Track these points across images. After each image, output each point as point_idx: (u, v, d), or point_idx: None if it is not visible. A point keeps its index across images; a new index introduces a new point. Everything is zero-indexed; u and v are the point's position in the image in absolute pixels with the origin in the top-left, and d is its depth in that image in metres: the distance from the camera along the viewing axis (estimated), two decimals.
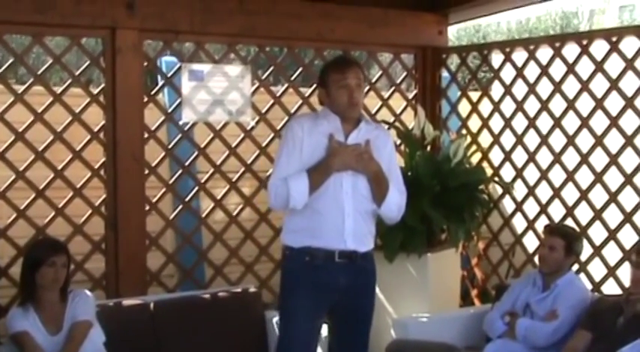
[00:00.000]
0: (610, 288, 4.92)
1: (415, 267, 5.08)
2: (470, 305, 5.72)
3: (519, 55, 5.50)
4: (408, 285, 5.09)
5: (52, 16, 4.55)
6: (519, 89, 5.48)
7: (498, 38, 17.91)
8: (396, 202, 3.75)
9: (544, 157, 5.34)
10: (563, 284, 4.32)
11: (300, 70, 5.60)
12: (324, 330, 3.86)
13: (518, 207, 5.53)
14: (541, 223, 5.07)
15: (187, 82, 5.05)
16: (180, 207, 5.20)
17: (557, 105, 5.24)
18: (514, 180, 5.53)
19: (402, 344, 4.53)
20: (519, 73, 5.47)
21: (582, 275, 4.93)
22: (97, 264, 4.87)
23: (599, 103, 4.99)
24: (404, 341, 4.56)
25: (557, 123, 5.22)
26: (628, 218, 4.88)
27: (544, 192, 5.36)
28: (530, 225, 5.44)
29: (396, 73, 6.73)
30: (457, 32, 17.48)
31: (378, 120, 5.66)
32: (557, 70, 5.22)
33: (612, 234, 4.96)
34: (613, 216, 4.97)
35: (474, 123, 5.82)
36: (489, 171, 5.64)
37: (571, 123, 5.15)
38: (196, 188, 5.25)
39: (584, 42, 5.10)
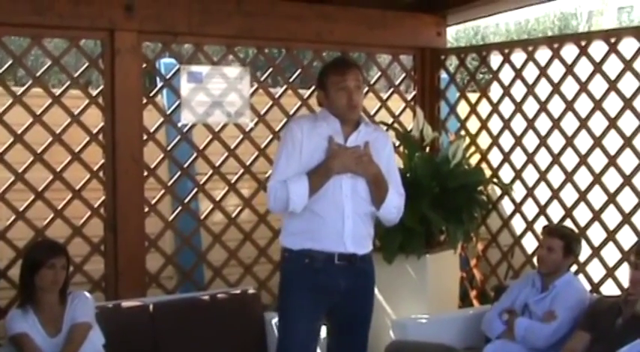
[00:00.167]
0: (609, 289, 4.92)
1: (414, 268, 5.08)
2: (469, 306, 5.72)
3: (518, 56, 5.50)
4: (407, 286, 5.09)
5: (50, 17, 4.56)
6: (518, 90, 5.49)
7: (497, 39, 17.89)
8: (395, 204, 3.75)
9: (543, 158, 5.35)
10: (562, 284, 4.32)
11: (299, 71, 5.60)
12: (323, 331, 3.86)
13: (517, 208, 5.53)
14: (540, 224, 5.07)
15: (186, 83, 5.05)
16: (180, 208, 5.20)
17: (556, 106, 5.24)
18: (513, 181, 5.54)
19: (401, 345, 4.53)
20: (518, 74, 5.47)
21: (581, 276, 4.94)
22: (96, 265, 4.87)
23: (598, 104, 4.99)
24: (403, 342, 4.56)
25: (556, 124, 5.22)
26: (627, 219, 4.89)
27: (543, 193, 5.36)
28: (529, 226, 5.44)
29: (395, 75, 6.73)
30: (456, 33, 17.47)
31: (377, 122, 5.67)
32: (556, 71, 5.23)
33: (611, 235, 4.96)
34: (612, 217, 4.97)
35: (473, 125, 5.82)
36: (488, 173, 5.64)
37: (570, 124, 5.15)
38: (195, 189, 5.25)
39: (583, 43, 5.10)
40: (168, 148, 5.14)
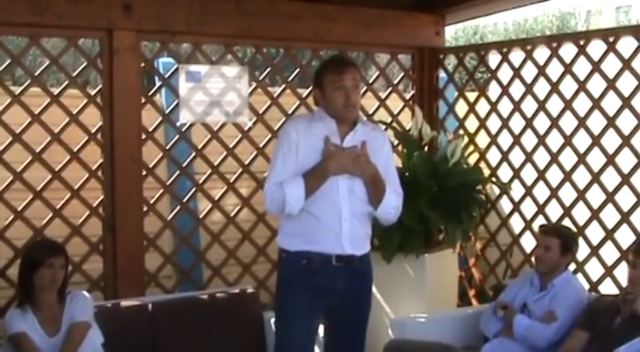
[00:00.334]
0: (607, 288, 4.92)
1: (413, 268, 5.08)
2: (467, 305, 5.72)
3: (516, 56, 5.51)
4: (405, 286, 5.10)
5: (48, 17, 4.55)
6: (516, 89, 5.49)
7: (495, 39, 17.91)
8: (392, 205, 3.73)
9: (541, 157, 5.35)
10: (560, 283, 4.33)
11: (298, 70, 5.60)
12: (320, 330, 3.85)
13: (516, 207, 5.54)
14: (538, 223, 5.07)
15: (184, 83, 5.05)
16: (178, 208, 5.20)
17: (555, 105, 5.24)
18: (511, 180, 5.54)
19: (400, 344, 4.53)
20: (516, 73, 5.48)
21: (580, 275, 4.94)
22: (94, 265, 4.87)
23: (596, 103, 4.99)
24: (401, 341, 4.56)
25: (555, 123, 5.23)
26: (625, 218, 4.89)
27: (541, 192, 5.37)
28: (528, 225, 5.45)
29: (394, 74, 6.71)
30: (455, 33, 17.49)
31: (375, 121, 5.67)
32: (555, 70, 5.23)
33: (609, 234, 4.96)
34: (610, 216, 4.98)
35: (472, 124, 5.82)
36: (487, 172, 5.64)
37: (568, 123, 5.16)
38: (194, 189, 5.25)
39: (581, 42, 5.10)
40: (167, 147, 5.14)
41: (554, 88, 5.22)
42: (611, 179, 4.96)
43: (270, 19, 5.23)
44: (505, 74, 5.57)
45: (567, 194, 5.20)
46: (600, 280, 5.00)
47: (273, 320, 4.22)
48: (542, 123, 5.32)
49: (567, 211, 5.18)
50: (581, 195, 5.11)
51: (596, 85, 5.00)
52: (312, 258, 3.62)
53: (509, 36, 18.37)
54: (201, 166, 5.35)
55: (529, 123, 5.38)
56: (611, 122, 4.92)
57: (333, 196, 3.60)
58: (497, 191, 5.75)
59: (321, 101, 3.69)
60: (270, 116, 5.39)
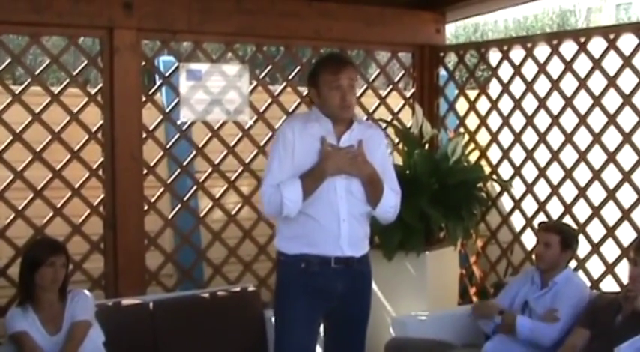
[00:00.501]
0: (608, 285, 4.92)
1: (414, 266, 5.08)
2: (468, 303, 5.69)
3: (517, 53, 5.50)
4: (406, 284, 5.10)
5: (49, 15, 4.55)
6: (517, 87, 5.49)
7: (495, 37, 17.91)
8: (391, 204, 3.69)
9: (542, 155, 5.35)
10: (562, 281, 4.32)
11: (298, 69, 5.60)
12: (320, 331, 3.82)
13: (517, 204, 5.54)
14: (539, 221, 5.07)
15: (185, 81, 5.05)
16: (179, 206, 5.20)
17: (555, 102, 5.23)
18: (512, 177, 5.54)
19: (401, 342, 4.54)
20: (517, 71, 5.47)
21: (580, 273, 4.93)
22: (95, 263, 4.87)
23: (597, 101, 4.99)
24: (403, 339, 4.56)
25: (555, 120, 5.22)
26: (626, 215, 4.89)
27: (542, 189, 5.36)
28: (529, 222, 5.44)
29: (394, 72, 6.73)
30: (455, 31, 17.49)
31: (376, 119, 5.68)
32: (555, 67, 5.22)
33: (610, 232, 4.96)
34: (611, 214, 4.97)
35: (472, 122, 5.82)
36: (487, 169, 5.64)
37: (569, 120, 5.15)
38: (195, 187, 5.25)
39: (582, 39, 5.10)
40: (168, 146, 5.14)
41: (555, 85, 5.21)
42: (611, 176, 4.96)
43: (270, 18, 5.22)
44: (505, 72, 5.56)
45: (568, 191, 5.20)
46: (601, 278, 5.00)
47: (274, 319, 4.22)
48: (542, 120, 5.32)
49: (568, 209, 5.18)
50: (581, 192, 5.11)
51: (597, 83, 5.00)
52: (311, 261, 3.58)
53: (509, 34, 18.36)
54: (202, 165, 5.35)
55: (530, 120, 5.38)
56: (611, 119, 4.92)
57: (331, 197, 3.56)
58: (497, 189, 5.75)
59: (317, 100, 3.65)
60: (270, 114, 5.39)
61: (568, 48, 5.17)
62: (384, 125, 5.60)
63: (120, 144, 4.77)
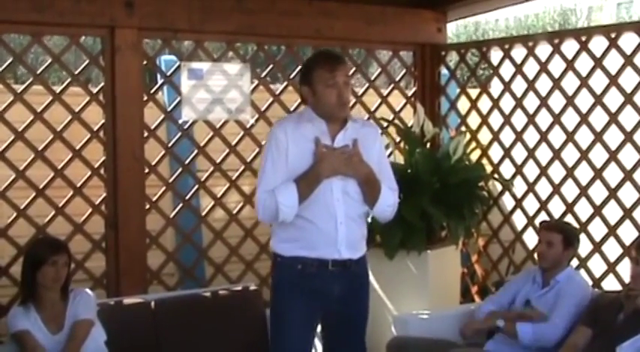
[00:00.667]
0: (610, 284, 4.92)
1: (415, 264, 5.08)
2: (470, 302, 5.72)
3: (518, 52, 5.50)
4: (408, 282, 5.10)
5: (50, 15, 4.55)
6: (518, 86, 5.49)
7: (496, 35, 17.92)
8: (389, 203, 3.63)
9: (543, 154, 5.34)
10: (564, 279, 4.32)
11: (299, 67, 5.59)
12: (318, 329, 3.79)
13: (518, 203, 5.54)
14: (541, 219, 5.07)
15: (187, 80, 5.05)
16: (181, 205, 5.20)
17: (557, 101, 5.24)
18: (514, 176, 5.54)
19: (403, 341, 4.53)
20: (518, 69, 5.47)
21: (582, 272, 4.94)
22: (97, 262, 4.87)
23: (599, 99, 4.99)
24: (404, 338, 4.56)
25: (557, 119, 5.22)
26: (628, 214, 4.89)
27: (544, 188, 5.36)
28: (530, 221, 5.44)
29: (395, 71, 6.73)
30: (456, 29, 17.51)
31: (377, 118, 5.68)
32: (556, 66, 5.22)
33: (612, 230, 4.96)
34: (613, 212, 4.98)
35: (474, 120, 5.82)
36: (489, 168, 5.63)
37: (570, 119, 5.15)
38: (196, 186, 5.24)
39: (583, 38, 5.10)
40: (169, 145, 5.15)
41: (556, 84, 5.21)
42: (613, 175, 4.96)
43: (271, 17, 5.22)
44: (507, 70, 5.56)
45: (570, 190, 5.20)
46: (603, 276, 5.00)
47: (270, 321, 4.18)
48: (544, 119, 5.32)
49: (570, 207, 5.18)
50: (583, 191, 5.11)
51: (598, 81, 5.00)
52: (308, 263, 3.52)
53: (510, 32, 18.38)
54: (204, 164, 5.35)
55: (531, 119, 5.38)
56: (613, 118, 4.92)
57: (327, 199, 3.49)
58: (499, 187, 5.75)
59: (311, 99, 3.55)
60: (272, 113, 5.39)
61: (569, 47, 5.16)
62: (385, 124, 5.60)
63: (121, 144, 4.77)
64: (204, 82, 5.09)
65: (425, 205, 4.93)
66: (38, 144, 4.69)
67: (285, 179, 3.46)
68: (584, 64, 5.07)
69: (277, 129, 3.59)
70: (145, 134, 4.92)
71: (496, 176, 5.64)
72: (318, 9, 5.40)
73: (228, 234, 5.34)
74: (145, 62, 4.95)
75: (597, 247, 5.03)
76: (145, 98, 4.94)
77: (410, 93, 5.99)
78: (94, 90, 4.88)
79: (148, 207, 4.94)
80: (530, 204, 5.45)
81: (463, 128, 5.86)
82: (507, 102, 5.57)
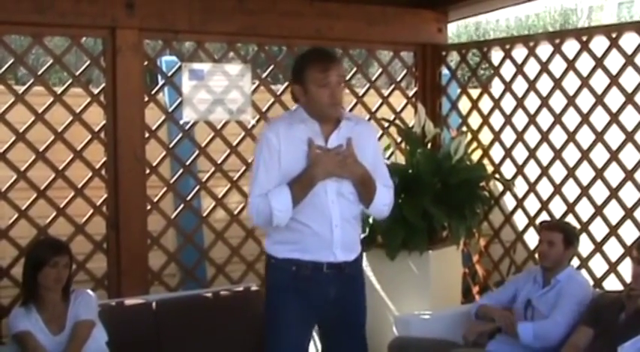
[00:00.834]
0: (611, 284, 4.92)
1: (417, 265, 5.08)
2: (472, 302, 5.70)
3: (519, 52, 5.50)
4: (409, 283, 5.09)
5: (51, 16, 4.56)
6: (519, 86, 5.49)
7: (497, 35, 17.92)
8: (385, 202, 3.59)
9: (544, 154, 5.34)
10: (565, 279, 4.31)
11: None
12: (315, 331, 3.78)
13: (519, 203, 5.54)
14: (542, 220, 5.07)
15: (188, 81, 5.05)
16: (182, 206, 5.21)
17: (558, 101, 5.24)
18: (515, 176, 5.54)
19: (404, 342, 4.53)
20: (519, 69, 5.47)
21: (584, 272, 4.93)
22: (98, 263, 4.88)
23: (600, 99, 4.98)
24: (406, 339, 4.56)
25: (558, 119, 5.22)
26: (629, 214, 4.88)
27: (545, 188, 5.36)
28: (531, 221, 5.44)
29: (396, 71, 6.72)
30: (457, 30, 17.50)
31: (378, 118, 5.68)
32: (557, 66, 5.22)
33: (613, 230, 4.96)
34: (614, 212, 4.97)
35: (475, 121, 5.82)
36: (490, 168, 5.64)
37: (571, 119, 5.15)
38: (197, 187, 5.25)
39: (584, 38, 5.10)
40: (170, 146, 5.15)
41: (557, 84, 5.21)
42: (614, 175, 4.96)
43: (272, 17, 5.23)
44: (508, 71, 5.56)
45: (571, 190, 5.20)
46: (604, 276, 5.00)
47: (265, 323, 4.16)
48: (545, 119, 5.32)
49: (571, 207, 5.17)
50: (584, 191, 5.11)
51: (599, 81, 5.00)
52: (302, 266, 3.48)
53: (511, 33, 18.37)
54: (205, 164, 5.35)
55: (532, 119, 5.38)
56: (614, 118, 4.92)
57: (322, 202, 3.43)
58: (500, 187, 5.75)
59: (303, 98, 3.47)
60: (273, 114, 5.38)
61: (570, 46, 5.16)
62: (386, 124, 5.60)
63: (122, 144, 4.77)
64: (205, 83, 5.09)
65: (426, 205, 4.93)
66: (39, 145, 4.69)
67: (278, 182, 3.40)
68: (585, 63, 5.07)
69: (269, 130, 3.53)
70: (146, 135, 4.92)
71: (497, 176, 5.64)
72: (319, 9, 5.40)
73: (229, 235, 5.35)
74: (145, 63, 4.96)
75: (598, 247, 5.02)
76: (146, 99, 4.95)
77: (411, 93, 5.99)
78: (95, 91, 4.89)
79: (149, 207, 4.95)
80: (532, 204, 5.45)
81: (464, 128, 5.85)
82: (508, 103, 5.57)
